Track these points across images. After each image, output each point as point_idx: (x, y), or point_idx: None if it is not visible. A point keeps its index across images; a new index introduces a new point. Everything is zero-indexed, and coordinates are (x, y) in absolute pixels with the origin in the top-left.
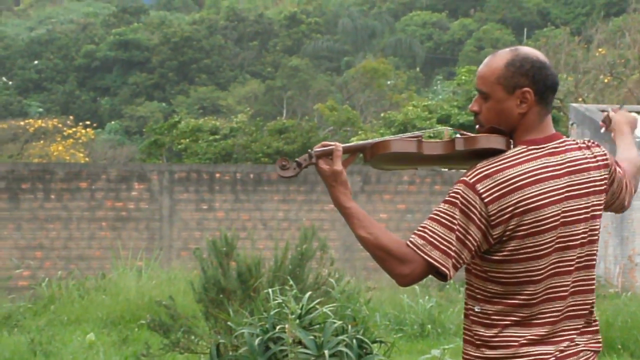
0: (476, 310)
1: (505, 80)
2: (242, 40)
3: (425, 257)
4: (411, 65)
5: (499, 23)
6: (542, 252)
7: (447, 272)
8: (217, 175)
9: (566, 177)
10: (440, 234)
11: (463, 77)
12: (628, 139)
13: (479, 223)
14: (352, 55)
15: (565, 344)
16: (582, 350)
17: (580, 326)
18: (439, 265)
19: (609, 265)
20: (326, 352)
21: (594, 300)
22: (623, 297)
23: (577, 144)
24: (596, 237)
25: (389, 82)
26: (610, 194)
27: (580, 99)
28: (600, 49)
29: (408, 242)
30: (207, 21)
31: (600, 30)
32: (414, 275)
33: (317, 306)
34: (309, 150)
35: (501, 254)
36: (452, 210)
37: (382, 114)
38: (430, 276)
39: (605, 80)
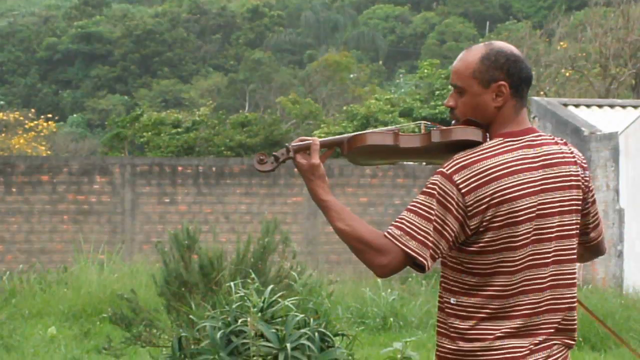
0: (452, 302)
1: (480, 74)
2: (205, 33)
3: (403, 247)
4: (374, 59)
5: (461, 17)
6: (517, 244)
7: (424, 262)
8: (180, 168)
9: (542, 170)
10: (418, 224)
11: (425, 71)
12: None
13: (456, 214)
14: (314, 48)
15: (541, 337)
16: (555, 344)
17: (558, 321)
18: (416, 256)
19: None
20: (288, 345)
21: (574, 295)
22: (584, 290)
23: (552, 138)
24: (574, 232)
25: (351, 76)
26: (586, 203)
27: (542, 93)
28: (561, 43)
29: (386, 233)
30: (169, 14)
31: (561, 24)
32: (392, 265)
33: (279, 299)
34: (287, 145)
35: (477, 245)
36: (429, 201)
37: (344, 107)
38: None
39: (567, 74)
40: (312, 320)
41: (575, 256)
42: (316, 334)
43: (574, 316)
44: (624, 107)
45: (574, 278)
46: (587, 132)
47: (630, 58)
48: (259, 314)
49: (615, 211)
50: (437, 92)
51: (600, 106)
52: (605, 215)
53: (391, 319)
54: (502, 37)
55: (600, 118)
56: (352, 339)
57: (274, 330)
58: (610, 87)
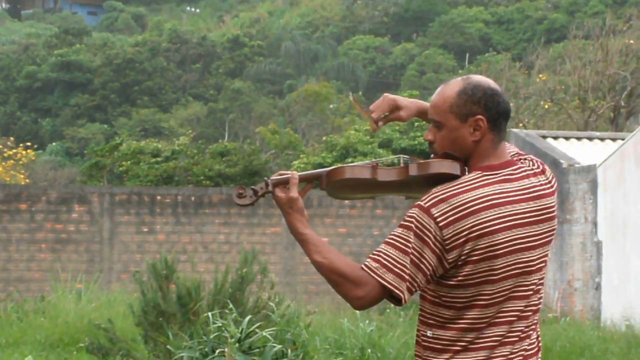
0: (428, 335)
1: (457, 108)
2: (185, 63)
3: (379, 279)
4: (354, 89)
5: (441, 48)
6: (496, 277)
7: (401, 295)
8: (159, 197)
9: (523, 204)
10: (395, 257)
11: None
12: None
13: (433, 247)
14: (294, 78)
15: None
16: None
17: (525, 349)
18: (392, 288)
19: (548, 289)
20: None
21: (536, 322)
22: (562, 322)
23: (532, 170)
24: (546, 263)
25: (331, 106)
26: None
27: (520, 125)
28: (541, 75)
29: (363, 266)
30: (149, 43)
31: (541, 57)
32: (368, 297)
33: (257, 330)
34: (266, 179)
35: (456, 278)
36: (407, 234)
37: (324, 138)
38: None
39: (546, 106)
40: (289, 351)
41: (542, 286)
42: None
43: (536, 340)
44: (602, 139)
45: (540, 307)
46: (565, 164)
47: (608, 91)
48: (237, 345)
49: (593, 243)
50: (417, 124)
51: (578, 139)
52: (584, 248)
53: (369, 350)
54: (481, 68)
55: (578, 150)
56: None
57: None
58: (589, 120)
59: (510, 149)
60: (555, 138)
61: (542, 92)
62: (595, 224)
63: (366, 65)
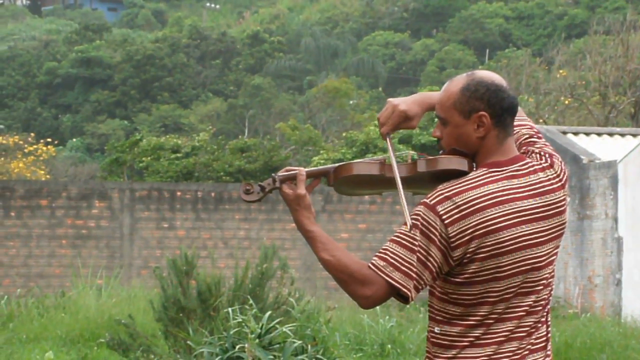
0: (436, 331)
1: (461, 105)
2: (205, 59)
3: (387, 278)
4: (373, 85)
5: (461, 44)
6: (502, 274)
7: (408, 293)
8: (179, 193)
9: (530, 200)
10: (402, 255)
11: None
12: None
13: (439, 244)
14: (314, 74)
15: None
16: None
17: (532, 344)
18: (400, 287)
19: (568, 286)
20: None
21: (546, 316)
22: (582, 318)
23: (540, 164)
24: (556, 257)
25: (351, 102)
26: None
27: (541, 120)
28: (561, 71)
29: (370, 264)
30: (169, 39)
31: (561, 52)
32: (375, 297)
33: (277, 325)
34: (273, 175)
35: (463, 276)
36: (412, 232)
37: (343, 134)
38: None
39: (566, 102)
40: (309, 346)
41: (552, 280)
42: None
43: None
44: (623, 135)
45: (549, 301)
46: (586, 160)
47: (629, 86)
48: (257, 340)
49: (614, 239)
50: (437, 120)
51: (599, 134)
52: (604, 244)
53: (389, 346)
54: (501, 64)
55: (599, 146)
56: None
57: (271, 357)
58: (609, 116)
59: (524, 135)
60: (575, 134)
61: (563, 87)
62: (615, 220)
63: (386, 61)
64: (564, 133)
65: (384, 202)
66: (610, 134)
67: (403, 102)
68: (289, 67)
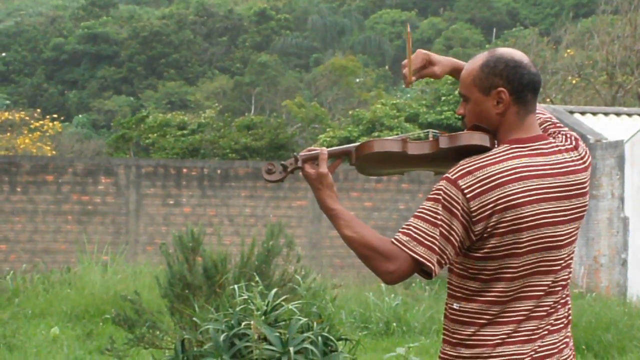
0: (455, 307)
1: (480, 81)
2: (211, 36)
3: (411, 253)
4: (380, 63)
5: (468, 22)
6: (521, 250)
7: (432, 267)
8: (184, 170)
9: (552, 178)
10: (425, 230)
11: None
12: None
13: (461, 219)
14: (321, 52)
15: (539, 342)
16: (556, 353)
17: (551, 324)
18: (424, 261)
19: (574, 265)
20: (291, 349)
21: (566, 297)
22: (588, 298)
23: (564, 146)
24: (576, 238)
25: (357, 80)
26: None
27: (548, 100)
28: (568, 50)
29: (393, 240)
30: (176, 16)
31: (569, 32)
32: (399, 272)
33: (283, 303)
34: (295, 154)
35: (482, 251)
36: (435, 206)
37: (350, 112)
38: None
39: (573, 82)
40: (315, 324)
41: (572, 262)
42: (319, 338)
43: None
44: (630, 115)
45: (569, 281)
46: (592, 139)
47: (637, 66)
48: (263, 317)
49: (620, 219)
50: (443, 98)
51: (606, 114)
52: (610, 224)
53: (394, 324)
54: (508, 43)
55: (606, 126)
56: (355, 344)
57: (277, 334)
58: (616, 95)
59: (548, 120)
60: (582, 113)
61: (570, 67)
62: (622, 200)
63: (393, 40)
64: (571, 113)
65: (390, 180)
66: (617, 114)
67: (430, 52)
68: (295, 44)
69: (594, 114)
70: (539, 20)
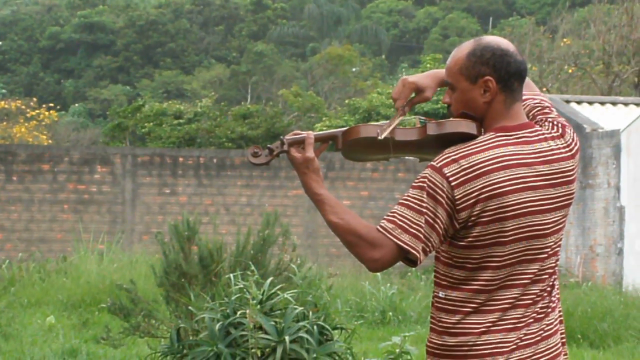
0: (440, 296)
1: (467, 70)
2: (208, 25)
3: (396, 240)
4: (376, 53)
5: (464, 12)
6: (505, 239)
7: (417, 255)
8: (181, 159)
9: (536, 167)
10: (410, 217)
11: (428, 65)
12: None
13: (446, 206)
14: (317, 41)
15: (525, 330)
16: (542, 340)
17: (537, 312)
18: (409, 249)
19: (570, 255)
20: (287, 338)
21: (553, 285)
22: (583, 287)
23: (550, 133)
24: (563, 226)
25: (354, 69)
26: None
27: (544, 89)
28: (565, 40)
29: (378, 227)
30: (172, 5)
31: (565, 21)
32: (384, 259)
33: (279, 292)
34: (281, 137)
35: (467, 239)
36: (420, 194)
37: (346, 101)
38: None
39: (570, 71)
40: (311, 313)
41: (559, 249)
42: (315, 327)
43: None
44: (626, 104)
45: (556, 270)
46: (589, 129)
47: (633, 55)
48: (258, 306)
49: (616, 209)
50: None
51: (602, 103)
52: (606, 213)
53: (390, 314)
54: (505, 33)
55: (602, 115)
56: (351, 333)
57: (272, 323)
58: (612, 85)
59: (537, 106)
60: (579, 103)
61: (566, 56)
62: (618, 189)
63: (389, 29)
64: (567, 102)
65: (386, 169)
66: (614, 103)
67: (413, 76)
68: (292, 33)
69: (591, 103)
70: (535, 9)
